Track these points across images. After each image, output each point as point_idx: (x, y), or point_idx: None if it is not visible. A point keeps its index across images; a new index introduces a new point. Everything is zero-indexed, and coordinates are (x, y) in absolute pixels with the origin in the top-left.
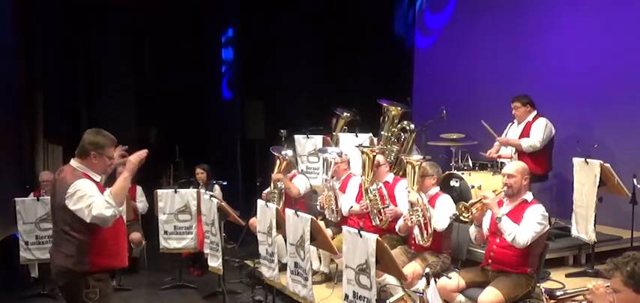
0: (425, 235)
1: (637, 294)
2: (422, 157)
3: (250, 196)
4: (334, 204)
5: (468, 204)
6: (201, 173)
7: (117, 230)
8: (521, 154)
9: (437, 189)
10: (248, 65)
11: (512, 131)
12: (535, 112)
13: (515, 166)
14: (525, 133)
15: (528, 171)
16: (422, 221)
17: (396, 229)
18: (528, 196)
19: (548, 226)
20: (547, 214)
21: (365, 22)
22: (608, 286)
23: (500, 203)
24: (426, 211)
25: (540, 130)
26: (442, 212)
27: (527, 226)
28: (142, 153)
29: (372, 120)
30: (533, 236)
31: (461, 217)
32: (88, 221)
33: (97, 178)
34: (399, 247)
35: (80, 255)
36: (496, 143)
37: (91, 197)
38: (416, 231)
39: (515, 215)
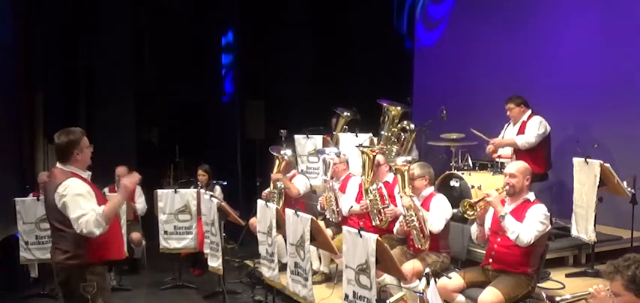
0: (422, 239)
1: (638, 298)
2: (408, 159)
3: (250, 196)
4: (334, 204)
5: (472, 202)
6: (202, 175)
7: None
8: (520, 154)
9: (431, 189)
10: (248, 65)
11: (509, 132)
12: (529, 111)
13: (516, 166)
14: (521, 133)
15: (530, 171)
16: (417, 225)
17: (394, 232)
18: (531, 195)
19: (549, 227)
20: (549, 214)
21: (365, 22)
22: (609, 290)
23: (502, 203)
24: (419, 214)
25: (535, 127)
26: (437, 213)
27: (531, 225)
28: (135, 178)
29: (372, 120)
30: (536, 235)
31: (465, 215)
32: (77, 232)
33: (85, 175)
34: (399, 248)
35: (75, 249)
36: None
37: (82, 209)
38: (413, 235)
39: (518, 214)
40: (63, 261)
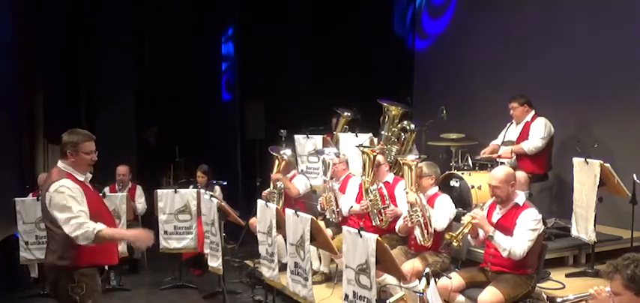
0: (425, 235)
1: (638, 297)
2: (417, 157)
3: (250, 196)
4: (334, 205)
5: (455, 234)
6: (201, 176)
7: None
8: (521, 156)
9: (436, 189)
10: (248, 65)
11: (511, 131)
12: (533, 112)
13: (498, 176)
14: (524, 133)
15: (513, 176)
16: (421, 221)
17: (396, 230)
18: (520, 199)
19: (543, 228)
20: (540, 216)
21: (365, 22)
22: (609, 290)
23: (492, 207)
24: (425, 211)
25: (540, 129)
26: (441, 212)
27: (521, 236)
28: (149, 238)
29: (372, 120)
30: (528, 245)
31: (452, 244)
32: (66, 232)
33: (81, 178)
34: (399, 248)
35: (63, 250)
36: (491, 143)
37: (71, 211)
38: (417, 231)
39: (508, 220)
40: (52, 262)
